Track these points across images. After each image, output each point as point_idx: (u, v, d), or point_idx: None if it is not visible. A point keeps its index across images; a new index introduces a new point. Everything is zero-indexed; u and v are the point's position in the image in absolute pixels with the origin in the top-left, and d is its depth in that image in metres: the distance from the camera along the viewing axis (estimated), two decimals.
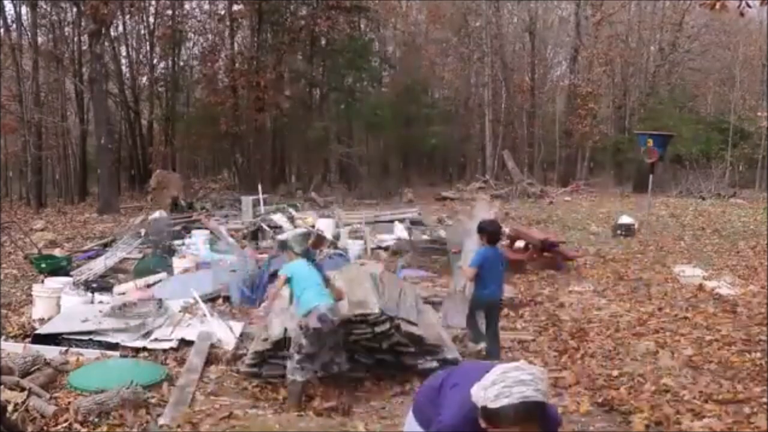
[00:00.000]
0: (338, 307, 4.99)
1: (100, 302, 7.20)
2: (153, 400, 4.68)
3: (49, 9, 24.97)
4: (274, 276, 8.10)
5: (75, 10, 24.18)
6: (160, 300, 7.03)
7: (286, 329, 5.11)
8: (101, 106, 20.99)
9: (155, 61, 29.10)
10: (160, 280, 8.61)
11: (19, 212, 19.85)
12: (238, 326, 6.38)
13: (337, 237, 11.73)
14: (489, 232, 5.86)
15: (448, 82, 36.67)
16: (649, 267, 10.29)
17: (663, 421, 4.45)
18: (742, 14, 9.42)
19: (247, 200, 15.24)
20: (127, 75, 29.22)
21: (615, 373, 5.41)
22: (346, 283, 5.87)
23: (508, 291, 8.14)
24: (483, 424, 1.96)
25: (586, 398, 4.89)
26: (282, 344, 5.08)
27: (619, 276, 9.58)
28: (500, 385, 1.91)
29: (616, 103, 32.33)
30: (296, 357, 4.79)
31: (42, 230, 14.50)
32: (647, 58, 32.08)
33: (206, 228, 12.53)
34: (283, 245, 5.85)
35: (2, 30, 22.87)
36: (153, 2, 27.63)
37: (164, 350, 5.89)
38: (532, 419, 1.91)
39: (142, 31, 29.15)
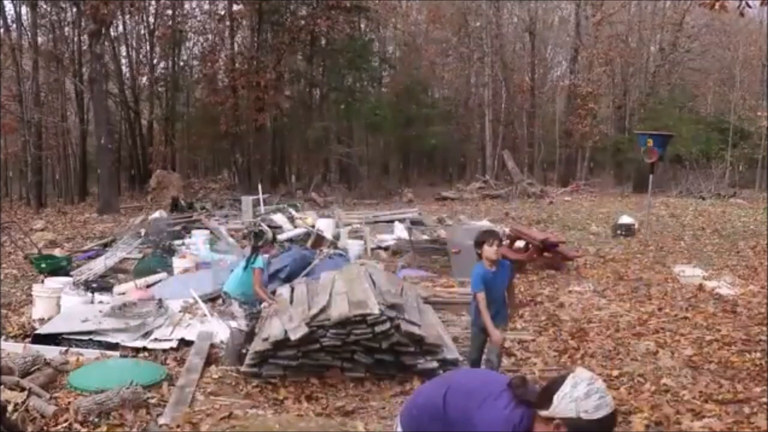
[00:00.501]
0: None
1: (100, 302, 7.19)
2: (153, 400, 4.68)
3: (49, 9, 24.97)
4: (274, 276, 8.13)
5: (75, 10, 24.18)
6: (160, 300, 7.03)
7: (286, 330, 5.12)
8: (101, 106, 21.00)
9: (155, 61, 29.12)
10: (160, 280, 8.61)
11: (19, 212, 19.86)
12: None
13: (337, 237, 11.73)
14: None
15: (448, 82, 36.69)
16: (649, 267, 10.28)
17: (663, 421, 4.45)
18: (741, 14, 9.43)
19: (247, 200, 15.23)
20: (127, 75, 29.23)
21: (615, 373, 5.40)
22: (346, 283, 5.88)
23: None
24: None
25: None
26: (282, 344, 5.08)
27: (619, 276, 9.57)
28: (596, 397, 2.01)
29: (616, 103, 32.32)
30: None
31: (42, 230, 14.50)
32: (647, 58, 32.08)
33: (206, 228, 12.54)
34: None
35: (2, 30, 22.87)
36: (153, 2, 27.64)
37: (164, 350, 5.89)
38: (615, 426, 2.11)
39: (142, 31, 29.16)
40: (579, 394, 2.01)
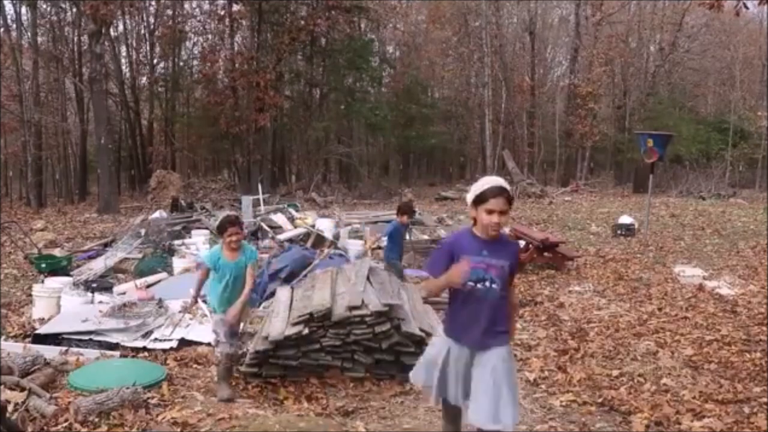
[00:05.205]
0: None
1: (100, 302, 7.19)
2: (153, 401, 4.68)
3: (49, 9, 24.99)
4: (274, 276, 8.12)
5: (75, 10, 24.19)
6: (160, 300, 7.03)
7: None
8: (101, 106, 21.01)
9: (155, 61, 29.13)
10: (160, 280, 8.61)
11: (19, 212, 19.86)
12: None
13: (337, 237, 11.73)
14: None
15: (448, 82, 36.72)
16: (649, 267, 10.29)
17: (663, 421, 4.45)
18: (737, 14, 9.44)
19: (247, 200, 15.23)
20: (127, 75, 29.24)
21: (615, 373, 5.40)
22: (346, 283, 5.87)
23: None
24: (476, 212, 3.19)
25: (586, 397, 4.89)
26: (283, 344, 5.07)
27: (619, 276, 9.57)
28: (483, 181, 3.25)
29: (616, 103, 32.35)
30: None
31: (42, 230, 14.50)
32: (647, 58, 32.13)
33: (206, 228, 12.53)
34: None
35: (2, 30, 22.87)
36: (153, 2, 27.65)
37: (164, 350, 5.88)
38: (501, 194, 3.14)
39: (142, 31, 29.18)
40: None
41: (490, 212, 3.13)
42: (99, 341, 5.99)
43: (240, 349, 5.12)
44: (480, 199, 3.15)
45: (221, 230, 4.98)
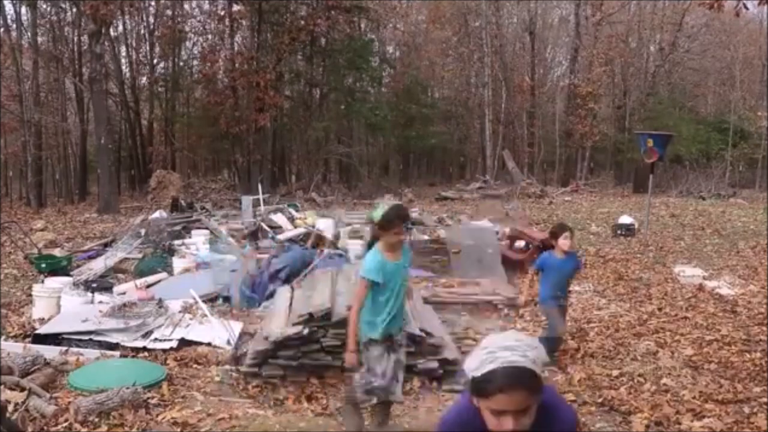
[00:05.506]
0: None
1: (100, 302, 7.19)
2: (153, 401, 4.68)
3: (49, 9, 24.98)
4: (274, 276, 8.12)
5: (75, 10, 24.19)
6: (160, 300, 7.03)
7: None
8: (101, 106, 21.00)
9: (155, 61, 29.12)
10: (160, 280, 8.61)
11: (19, 212, 19.84)
12: (237, 326, 6.39)
13: (337, 237, 11.72)
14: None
15: (448, 82, 36.73)
16: (649, 267, 10.29)
17: (663, 421, 4.45)
18: (737, 14, 9.44)
19: (247, 200, 15.23)
20: (127, 75, 29.23)
21: (615, 373, 5.40)
22: (346, 283, 5.88)
23: (508, 291, 8.17)
24: (476, 403, 1.81)
25: (586, 397, 4.90)
26: (283, 344, 5.08)
27: (619, 276, 9.57)
28: (484, 351, 1.75)
29: (616, 103, 32.35)
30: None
31: (42, 230, 14.48)
32: (647, 58, 32.13)
33: (206, 228, 12.53)
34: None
35: (2, 30, 22.87)
36: (153, 2, 27.65)
37: (164, 350, 5.88)
38: (518, 385, 1.71)
39: (142, 31, 29.17)
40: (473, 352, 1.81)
41: (498, 414, 1.76)
42: (99, 341, 5.99)
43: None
44: (481, 391, 1.77)
45: (387, 226, 3.72)
